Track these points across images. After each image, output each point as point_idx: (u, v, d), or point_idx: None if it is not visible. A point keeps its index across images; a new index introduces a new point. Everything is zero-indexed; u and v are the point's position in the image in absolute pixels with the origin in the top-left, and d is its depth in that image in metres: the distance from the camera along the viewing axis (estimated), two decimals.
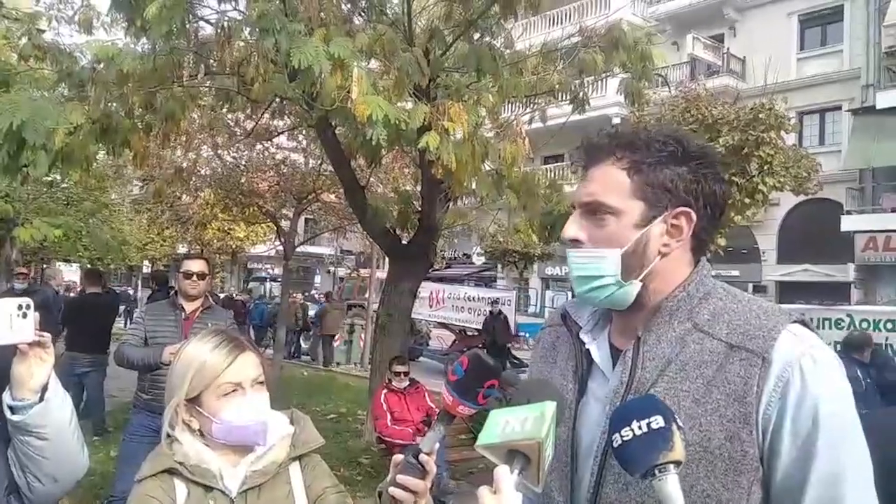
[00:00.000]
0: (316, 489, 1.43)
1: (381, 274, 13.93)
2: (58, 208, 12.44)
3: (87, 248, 15.66)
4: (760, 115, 10.03)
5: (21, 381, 1.30)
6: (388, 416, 5.47)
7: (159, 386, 3.54)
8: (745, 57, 18.59)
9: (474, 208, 9.13)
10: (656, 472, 0.81)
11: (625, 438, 0.84)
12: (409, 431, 5.34)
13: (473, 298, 14.86)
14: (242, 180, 9.86)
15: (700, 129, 10.04)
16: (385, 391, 5.60)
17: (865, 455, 0.94)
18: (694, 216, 1.03)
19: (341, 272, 26.09)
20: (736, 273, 17.51)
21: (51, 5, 5.61)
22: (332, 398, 9.84)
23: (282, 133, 9.19)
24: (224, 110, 6.66)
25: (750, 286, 17.44)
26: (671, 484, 0.81)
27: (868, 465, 0.94)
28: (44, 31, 5.19)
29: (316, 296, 18.69)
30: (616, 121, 17.01)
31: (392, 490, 1.05)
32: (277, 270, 25.37)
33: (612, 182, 1.04)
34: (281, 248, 11.08)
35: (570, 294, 1.16)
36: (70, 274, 21.16)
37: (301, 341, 16.55)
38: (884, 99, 16.16)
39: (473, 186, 5.08)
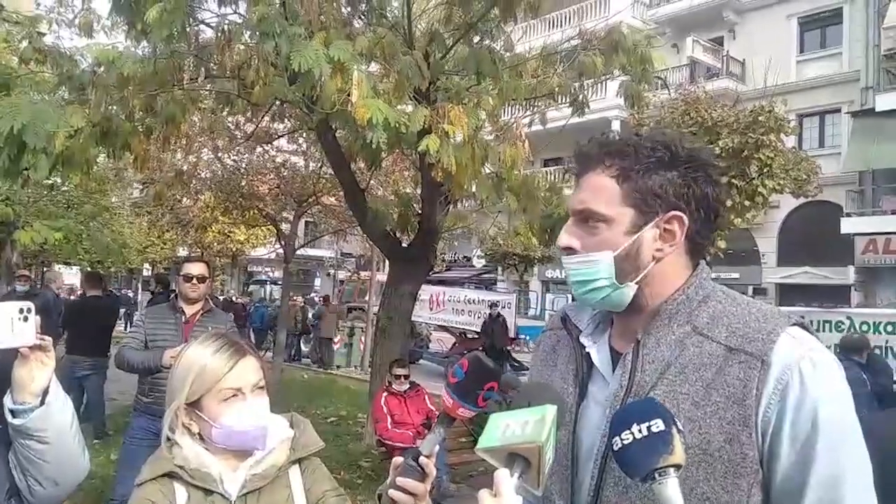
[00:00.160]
0: (316, 492, 1.43)
1: (382, 277, 13.95)
2: (58, 211, 12.43)
3: (88, 251, 15.65)
4: (760, 118, 10.02)
5: (22, 385, 1.30)
6: (389, 419, 5.47)
7: (159, 389, 3.53)
8: (744, 59, 18.61)
9: (474, 211, 9.15)
10: (656, 475, 0.81)
11: (625, 442, 0.84)
12: (409, 434, 5.34)
13: (473, 301, 14.85)
14: (243, 183, 9.86)
15: (700, 132, 10.04)
16: (385, 394, 5.59)
17: (865, 458, 0.94)
18: (686, 220, 1.03)
19: (341, 275, 26.12)
20: (736, 275, 17.52)
21: (51, 8, 5.60)
22: (333, 401, 9.83)
23: (282, 136, 9.21)
24: (224, 113, 6.67)
25: (750, 288, 17.46)
26: (671, 487, 0.81)
27: (868, 468, 0.94)
28: (44, 35, 5.18)
29: (316, 299, 18.68)
30: (616, 123, 17.05)
31: (392, 493, 1.05)
32: (278, 273, 25.36)
33: (601, 190, 1.06)
34: (281, 250, 11.09)
35: (570, 297, 1.16)
36: (70, 277, 21.15)
37: (301, 344, 16.55)
38: (883, 101, 16.19)
39: (473, 189, 5.08)
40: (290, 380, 11.09)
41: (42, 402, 1.31)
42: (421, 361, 14.55)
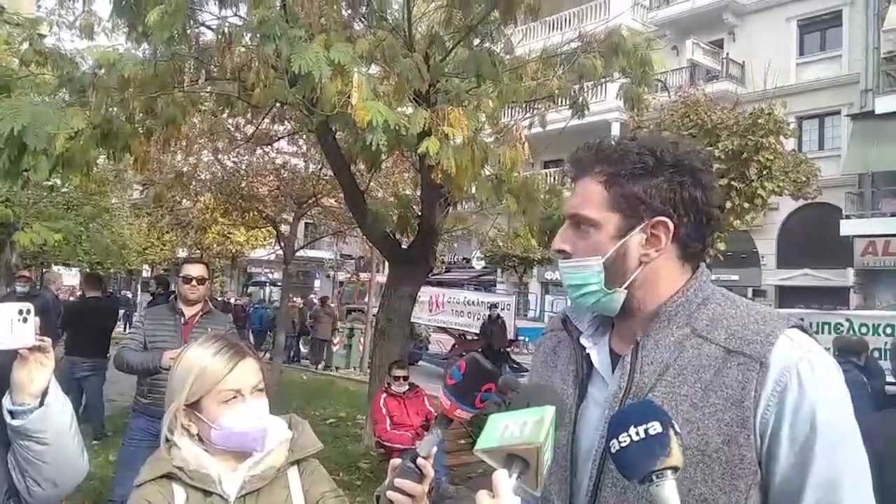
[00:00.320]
0: (314, 494, 1.43)
1: (381, 278, 13.95)
2: (58, 212, 12.41)
3: (87, 252, 15.65)
4: (760, 120, 10.04)
5: (21, 386, 1.30)
6: (388, 421, 5.46)
7: (158, 390, 3.53)
8: (744, 62, 18.64)
9: (474, 213, 9.14)
10: (654, 477, 0.82)
11: (622, 444, 0.84)
12: (408, 436, 5.33)
13: (473, 303, 14.86)
14: (242, 185, 9.87)
15: (699, 134, 10.06)
16: (384, 395, 5.59)
17: (864, 460, 0.94)
18: (671, 225, 1.04)
19: (341, 276, 26.12)
20: (735, 277, 17.53)
21: (52, 10, 5.61)
22: (332, 402, 9.83)
23: (282, 138, 9.22)
24: (224, 115, 6.68)
25: (749, 290, 17.47)
26: (668, 490, 0.81)
27: (866, 470, 0.94)
28: (45, 37, 5.19)
29: (314, 300, 18.69)
30: (615, 126, 17.08)
31: (390, 494, 1.05)
32: (277, 275, 25.35)
33: (590, 195, 1.08)
34: (281, 252, 11.09)
35: (569, 299, 1.17)
36: (70, 278, 21.16)
37: (300, 346, 16.55)
38: (883, 104, 16.20)
39: (473, 191, 5.09)
40: (289, 381, 11.09)
41: (41, 404, 1.31)
42: (420, 363, 14.55)
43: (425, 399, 5.76)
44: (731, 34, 19.83)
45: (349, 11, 5.06)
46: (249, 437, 1.36)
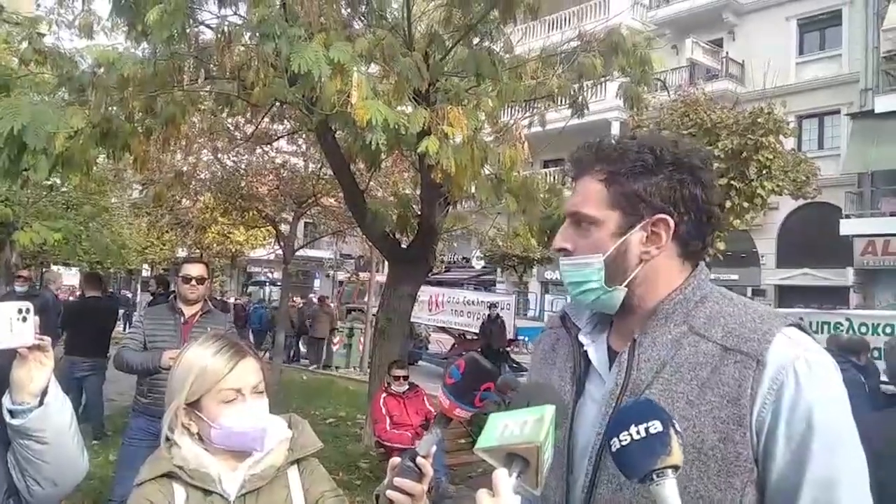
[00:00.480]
0: (314, 493, 1.44)
1: (381, 278, 13.96)
2: (57, 212, 12.41)
3: (87, 251, 15.65)
4: (759, 120, 10.05)
5: (21, 385, 1.30)
6: (388, 420, 5.46)
7: (158, 390, 3.54)
8: (744, 61, 18.64)
9: (474, 212, 9.14)
10: (654, 476, 0.82)
11: (623, 443, 0.84)
12: (408, 435, 5.33)
13: (473, 302, 14.86)
14: (242, 184, 9.87)
15: (699, 134, 10.07)
16: (384, 395, 5.59)
17: (862, 459, 0.94)
18: (672, 223, 1.04)
19: (341, 276, 26.11)
20: (735, 277, 17.54)
21: (51, 10, 5.60)
22: (331, 402, 9.83)
23: (282, 137, 9.21)
24: (224, 114, 6.68)
25: (749, 290, 17.48)
26: (669, 488, 0.81)
27: (864, 470, 0.94)
28: (44, 36, 5.18)
29: (314, 300, 18.69)
30: (615, 125, 17.08)
31: (389, 493, 1.05)
32: (277, 274, 25.35)
33: (590, 193, 1.08)
34: (280, 251, 11.09)
35: (568, 298, 1.17)
36: (69, 277, 21.17)
37: (300, 345, 16.55)
38: (882, 103, 16.20)
39: (473, 190, 5.09)
40: (289, 380, 11.09)
41: (41, 403, 1.31)
42: (420, 362, 14.55)
43: (425, 398, 5.76)
44: (730, 33, 19.83)
45: (349, 10, 5.05)
46: (249, 437, 1.36)
